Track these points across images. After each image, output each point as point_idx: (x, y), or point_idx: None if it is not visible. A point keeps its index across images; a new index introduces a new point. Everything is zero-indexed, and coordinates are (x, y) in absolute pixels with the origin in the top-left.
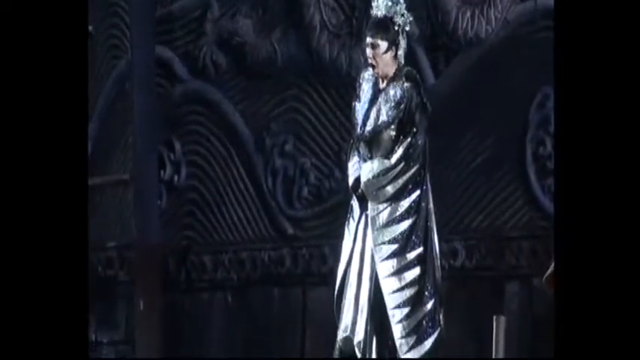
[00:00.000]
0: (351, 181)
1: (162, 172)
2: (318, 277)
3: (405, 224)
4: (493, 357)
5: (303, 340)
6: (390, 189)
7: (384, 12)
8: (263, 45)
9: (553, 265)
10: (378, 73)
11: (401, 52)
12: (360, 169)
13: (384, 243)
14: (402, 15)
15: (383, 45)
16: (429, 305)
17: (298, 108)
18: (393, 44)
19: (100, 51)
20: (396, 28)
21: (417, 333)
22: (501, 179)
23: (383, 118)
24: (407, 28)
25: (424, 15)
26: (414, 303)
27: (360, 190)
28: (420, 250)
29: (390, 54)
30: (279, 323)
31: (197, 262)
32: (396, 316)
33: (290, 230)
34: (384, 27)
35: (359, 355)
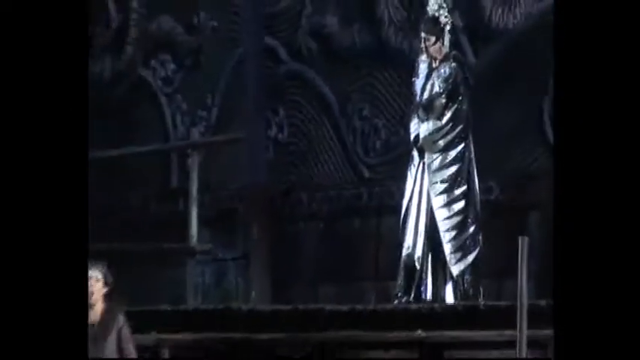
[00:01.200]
0: (412, 137)
1: (269, 131)
2: (388, 209)
3: (453, 168)
4: (519, 270)
5: (376, 258)
6: (441, 142)
7: (432, 14)
8: (345, 35)
9: None
10: (431, 57)
11: (447, 42)
12: (419, 128)
13: (437, 183)
14: (446, 16)
15: (432, 38)
16: (471, 229)
17: (372, 83)
18: (440, 37)
19: (222, 41)
20: (442, 25)
21: (462, 250)
22: (525, 134)
23: (436, 89)
24: (448, 27)
25: (466, 11)
26: (460, 227)
27: (419, 144)
28: (464, 187)
29: (438, 44)
30: (358, 245)
31: (296, 199)
32: (446, 237)
33: (366, 174)
34: (433, 25)
35: (417, 267)
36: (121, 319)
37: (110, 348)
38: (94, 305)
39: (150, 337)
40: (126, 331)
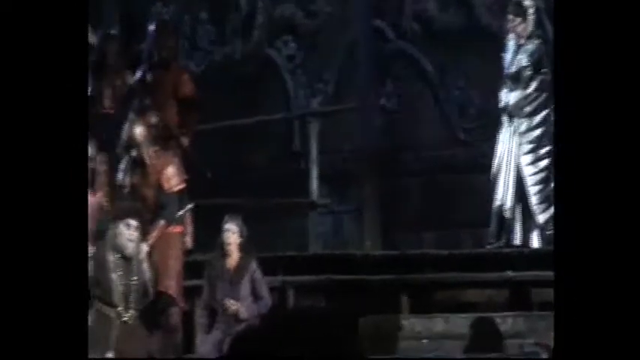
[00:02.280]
0: (502, 104)
1: (378, 100)
2: (481, 167)
3: (538, 131)
4: None
5: (471, 209)
6: (527, 109)
7: None
8: (443, 17)
9: None
10: (517, 35)
11: (531, 22)
12: (508, 96)
13: (524, 144)
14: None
15: (518, 19)
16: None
17: (467, 58)
18: (524, 18)
19: (336, 24)
20: (526, 8)
21: (547, 201)
22: None
23: (522, 63)
24: (532, 9)
25: None
26: (545, 182)
27: (508, 110)
28: (548, 147)
29: (523, 24)
30: (455, 198)
31: (402, 158)
32: (532, 191)
33: (462, 136)
34: (518, 8)
35: (507, 217)
36: (254, 264)
37: (244, 289)
38: (231, 254)
39: (278, 280)
40: (258, 275)
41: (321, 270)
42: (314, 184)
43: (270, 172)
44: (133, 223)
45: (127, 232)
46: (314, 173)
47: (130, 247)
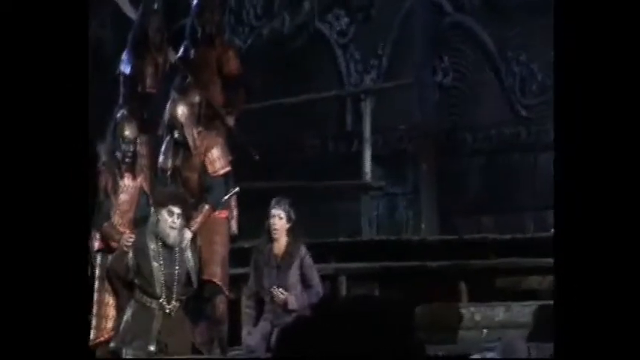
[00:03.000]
0: None
1: (435, 76)
2: (544, 146)
3: None
4: None
5: (534, 190)
6: None
7: None
8: None
9: None
10: None
11: None
12: None
13: None
14: None
15: None
16: None
17: (529, 32)
18: None
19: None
20: None
21: None
22: None
23: None
24: None
25: None
26: None
27: None
28: None
29: None
30: (517, 179)
31: (460, 137)
32: None
33: (524, 113)
34: None
35: None
36: (303, 250)
37: (293, 276)
38: (279, 240)
39: (329, 267)
40: (308, 261)
41: (374, 256)
42: (367, 165)
43: (321, 153)
44: (176, 210)
45: (170, 219)
46: (367, 154)
47: (172, 236)
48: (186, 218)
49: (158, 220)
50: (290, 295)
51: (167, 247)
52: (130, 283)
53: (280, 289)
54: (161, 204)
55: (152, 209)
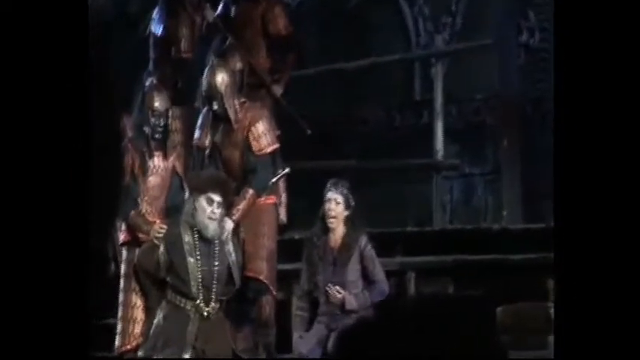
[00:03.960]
0: None
1: (519, 36)
2: None
3: None
4: None
5: None
6: None
7: None
8: None
9: None
10: None
11: None
12: None
13: None
14: None
15: None
16: None
17: None
18: None
19: None
20: None
21: None
22: None
23: None
24: None
25: None
26: None
27: None
28: None
29: None
30: None
31: (548, 107)
32: None
33: None
34: None
35: None
36: (364, 240)
37: (353, 272)
38: (335, 229)
39: (394, 261)
40: (369, 253)
41: (448, 249)
42: (439, 140)
43: (385, 127)
44: (216, 198)
45: (209, 208)
46: (439, 127)
47: (211, 228)
48: (228, 206)
49: (195, 209)
50: (349, 294)
51: (205, 240)
52: (161, 281)
53: (337, 287)
54: (198, 190)
55: (187, 195)
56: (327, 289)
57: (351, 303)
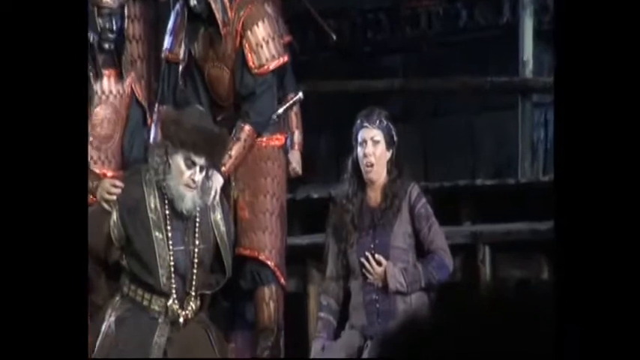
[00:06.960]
0: None
1: None
2: None
3: None
4: None
5: None
6: None
7: None
8: None
9: None
10: None
11: None
12: None
13: None
14: None
15: None
16: None
17: None
18: None
19: None
20: None
21: None
22: None
23: None
24: None
25: None
26: None
27: None
28: None
29: None
30: None
31: None
32: None
33: None
34: None
35: None
36: (415, 192)
37: (399, 237)
38: (375, 181)
39: (461, 230)
40: (423, 209)
41: (541, 211)
42: (527, 48)
43: (447, 28)
44: (200, 161)
45: (187, 172)
46: (527, 28)
47: (188, 200)
48: (217, 157)
49: (167, 167)
50: (392, 267)
51: (181, 215)
52: (112, 266)
53: (377, 256)
54: (174, 142)
55: (153, 137)
56: (363, 261)
57: (398, 279)
